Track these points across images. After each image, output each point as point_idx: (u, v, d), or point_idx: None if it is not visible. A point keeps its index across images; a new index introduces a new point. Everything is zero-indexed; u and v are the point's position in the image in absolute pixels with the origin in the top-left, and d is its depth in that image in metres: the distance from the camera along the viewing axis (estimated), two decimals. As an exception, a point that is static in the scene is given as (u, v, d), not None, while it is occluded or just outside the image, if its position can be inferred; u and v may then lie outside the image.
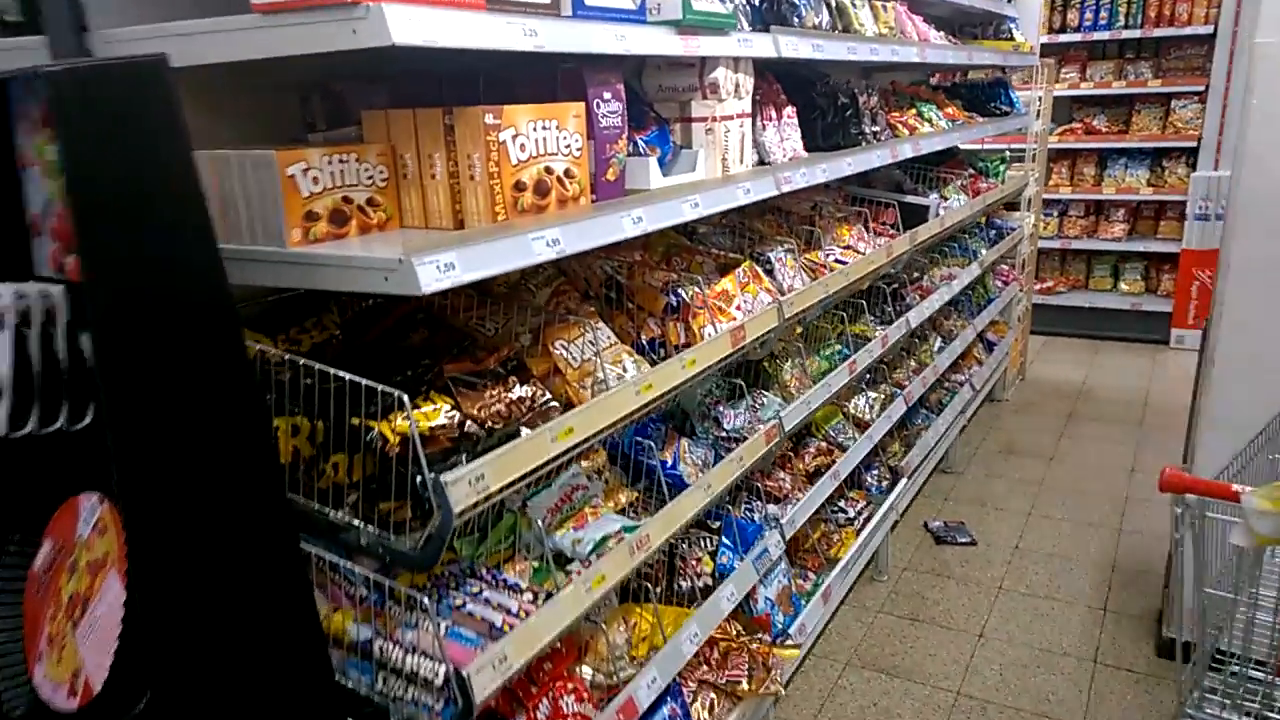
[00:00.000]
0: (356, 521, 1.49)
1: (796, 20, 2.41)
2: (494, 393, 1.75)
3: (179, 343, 1.13)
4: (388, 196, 1.56)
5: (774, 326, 2.40)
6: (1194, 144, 6.35)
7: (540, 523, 1.98)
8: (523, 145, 1.52)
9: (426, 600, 1.49)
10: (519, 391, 1.78)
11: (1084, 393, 5.81)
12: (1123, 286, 6.91)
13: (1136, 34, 6.41)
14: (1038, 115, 5.33)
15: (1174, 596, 3.15)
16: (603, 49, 1.62)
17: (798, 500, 2.87)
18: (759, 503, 2.82)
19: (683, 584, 2.47)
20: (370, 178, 1.52)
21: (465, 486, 1.40)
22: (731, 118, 2.14)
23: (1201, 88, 6.27)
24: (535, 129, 1.54)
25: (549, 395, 1.82)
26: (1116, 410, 5.48)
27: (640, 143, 1.97)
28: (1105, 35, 6.51)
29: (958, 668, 3.17)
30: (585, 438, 1.67)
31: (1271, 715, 1.86)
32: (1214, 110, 6.21)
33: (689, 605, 2.39)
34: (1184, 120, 6.41)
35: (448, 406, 1.63)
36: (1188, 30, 6.24)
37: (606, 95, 1.73)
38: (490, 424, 1.68)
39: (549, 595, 1.71)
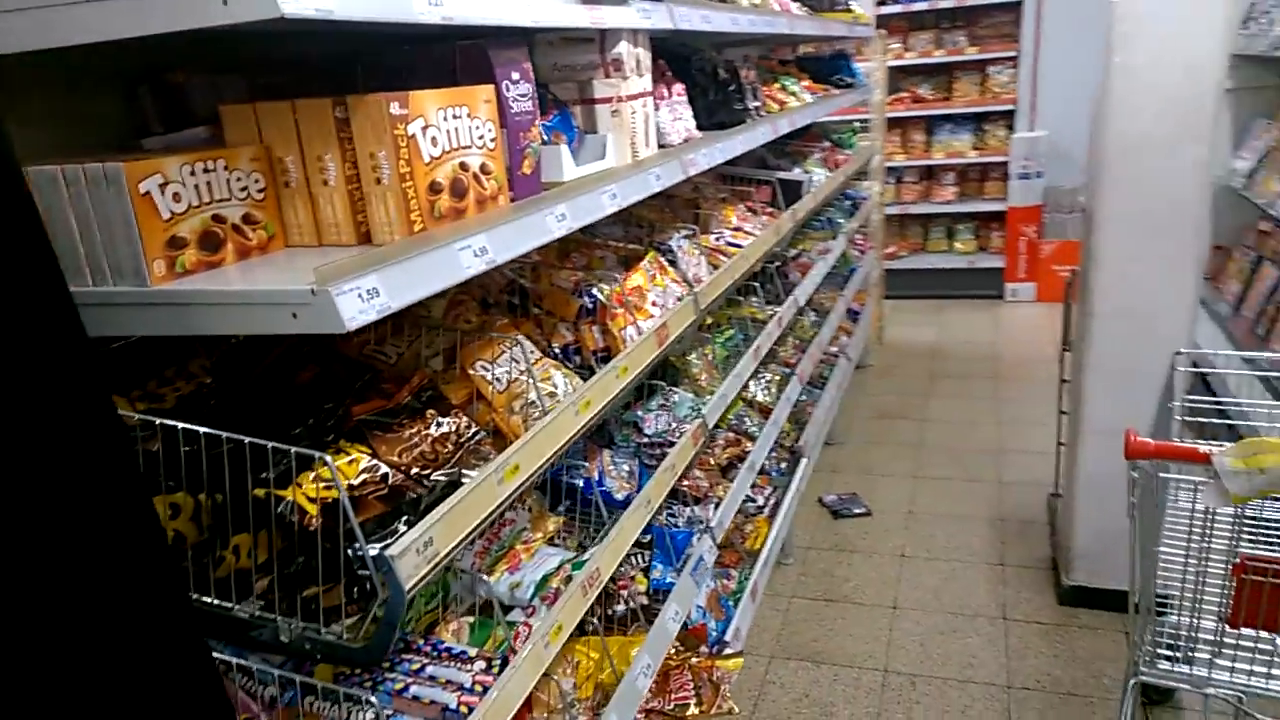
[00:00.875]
0: (272, 615, 1.19)
1: (681, -11, 2.23)
2: (413, 432, 1.48)
3: (31, 424, 0.82)
4: (267, 211, 1.26)
5: (692, 320, 2.22)
6: (1011, 107, 6.70)
7: (470, 571, 1.73)
8: (434, 139, 1.26)
9: (372, 697, 1.22)
10: (442, 427, 1.52)
11: (938, 352, 6.02)
12: (958, 246, 7.23)
13: (951, 4, 6.67)
14: (876, 86, 5.43)
15: (1065, 545, 3.25)
16: (512, 21, 1.38)
17: (717, 498, 2.72)
18: (679, 505, 2.66)
19: (618, 608, 2.27)
20: (244, 189, 1.22)
21: (413, 556, 1.14)
22: (636, 97, 1.94)
23: (1014, 53, 6.61)
24: (445, 118, 1.29)
25: (475, 426, 1.58)
26: (970, 365, 5.71)
27: (542, 129, 1.73)
28: (924, 6, 6.74)
29: (879, 644, 3.15)
30: (531, 473, 1.44)
31: (1220, 663, 1.88)
32: (1026, 74, 6.57)
33: (628, 630, 2.20)
34: (1000, 85, 6.74)
35: (365, 457, 1.35)
36: (996, -1, 6.56)
37: (515, 76, 1.48)
38: (417, 470, 1.42)
39: (504, 661, 1.46)
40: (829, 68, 4.73)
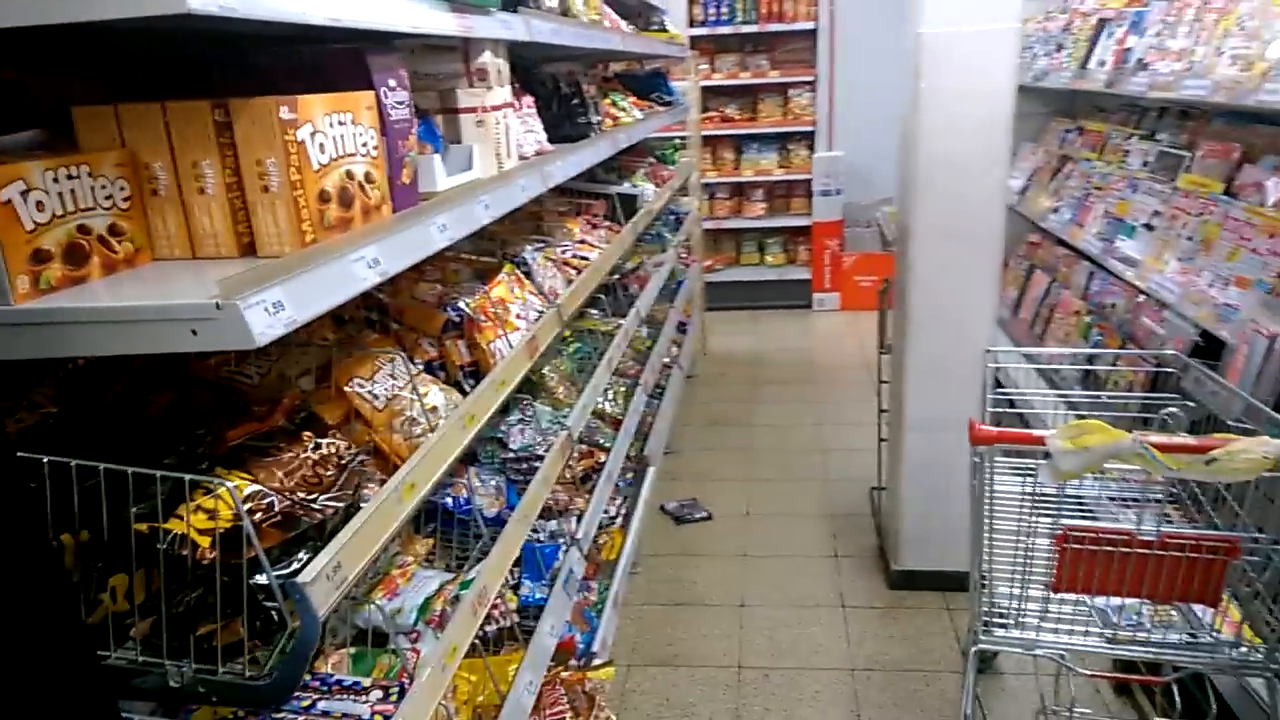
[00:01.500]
0: (159, 659, 1.09)
1: (533, 2, 2.24)
2: (292, 455, 1.39)
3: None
4: (133, 221, 1.15)
5: (557, 332, 2.22)
6: (811, 128, 7.17)
7: (354, 597, 1.65)
8: (322, 145, 1.20)
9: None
10: (321, 449, 1.44)
11: (759, 359, 6.32)
12: (768, 259, 7.63)
13: (754, 28, 7.05)
14: (692, 105, 5.64)
15: (891, 533, 3.50)
16: (393, 26, 1.34)
17: (578, 510, 2.73)
18: (541, 521, 2.63)
19: (489, 628, 2.22)
20: (109, 197, 1.11)
21: (324, 583, 1.08)
22: (500, 108, 1.92)
23: (812, 78, 7.08)
24: (331, 124, 1.23)
25: (355, 447, 1.50)
26: (789, 372, 6.03)
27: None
28: (728, 30, 7.08)
29: (731, 642, 3.26)
30: (427, 490, 1.39)
31: (1046, 626, 2.09)
32: (823, 98, 7.05)
33: (502, 650, 2.16)
34: (801, 107, 7.19)
35: (248, 484, 1.26)
36: (795, 26, 6.98)
37: (393, 83, 1.43)
38: (302, 496, 1.33)
39: (402, 690, 1.40)
40: (648, 85, 4.87)
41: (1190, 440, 1.64)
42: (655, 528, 4.08)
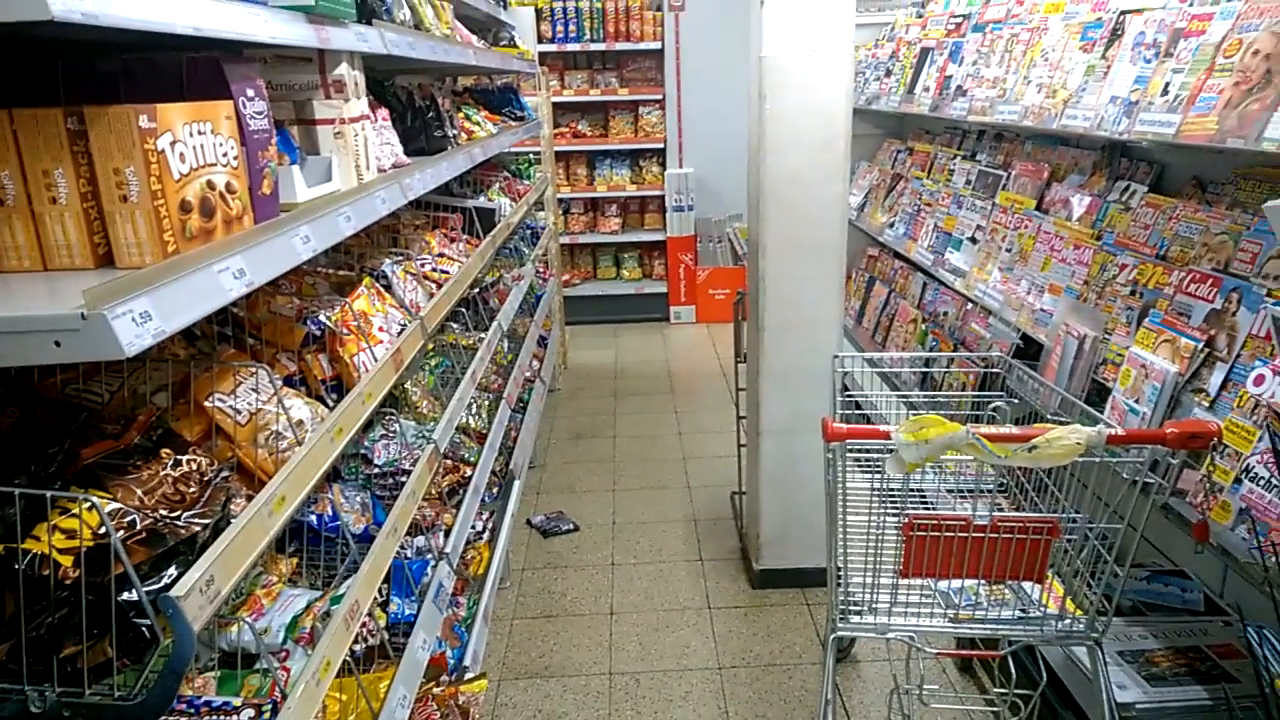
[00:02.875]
0: (17, 685, 1.02)
1: (386, 15, 2.23)
2: (151, 473, 1.34)
3: None
4: (-30, 230, 1.08)
5: (421, 345, 2.21)
6: (661, 145, 7.35)
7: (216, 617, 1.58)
8: (183, 155, 1.16)
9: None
10: (182, 466, 1.38)
11: (619, 372, 6.41)
12: (625, 274, 7.75)
13: (602, 47, 7.17)
14: (544, 120, 5.69)
15: (752, 535, 3.64)
16: (253, 36, 1.31)
17: (445, 525, 2.70)
18: (407, 537, 2.59)
19: (359, 647, 2.17)
20: (-55, 205, 1.04)
21: (198, 597, 1.04)
22: (357, 119, 1.90)
23: (660, 96, 7.27)
24: (191, 134, 1.19)
25: (218, 463, 1.45)
26: (649, 384, 6.15)
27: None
28: (577, 47, 7.18)
29: (602, 650, 3.29)
30: (296, 504, 1.36)
31: (897, 610, 2.24)
32: (672, 116, 7.25)
33: (370, 669, 2.11)
34: (651, 125, 7.37)
35: (109, 503, 1.20)
36: (642, 46, 7.15)
37: (251, 93, 1.40)
38: (165, 513, 1.28)
39: (274, 707, 1.36)
40: (500, 101, 4.88)
41: (1015, 430, 1.81)
42: (523, 541, 4.08)
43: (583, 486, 4.62)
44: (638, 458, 4.95)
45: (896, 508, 2.17)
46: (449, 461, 3.07)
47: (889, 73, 4.97)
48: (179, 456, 1.39)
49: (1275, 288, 2.10)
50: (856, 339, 5.12)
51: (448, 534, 2.65)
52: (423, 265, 2.91)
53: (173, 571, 1.08)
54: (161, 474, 1.34)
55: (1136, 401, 2.33)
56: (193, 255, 1.13)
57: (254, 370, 1.56)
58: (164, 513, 1.28)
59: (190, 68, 1.35)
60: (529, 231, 5.12)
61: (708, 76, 7.01)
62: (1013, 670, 2.27)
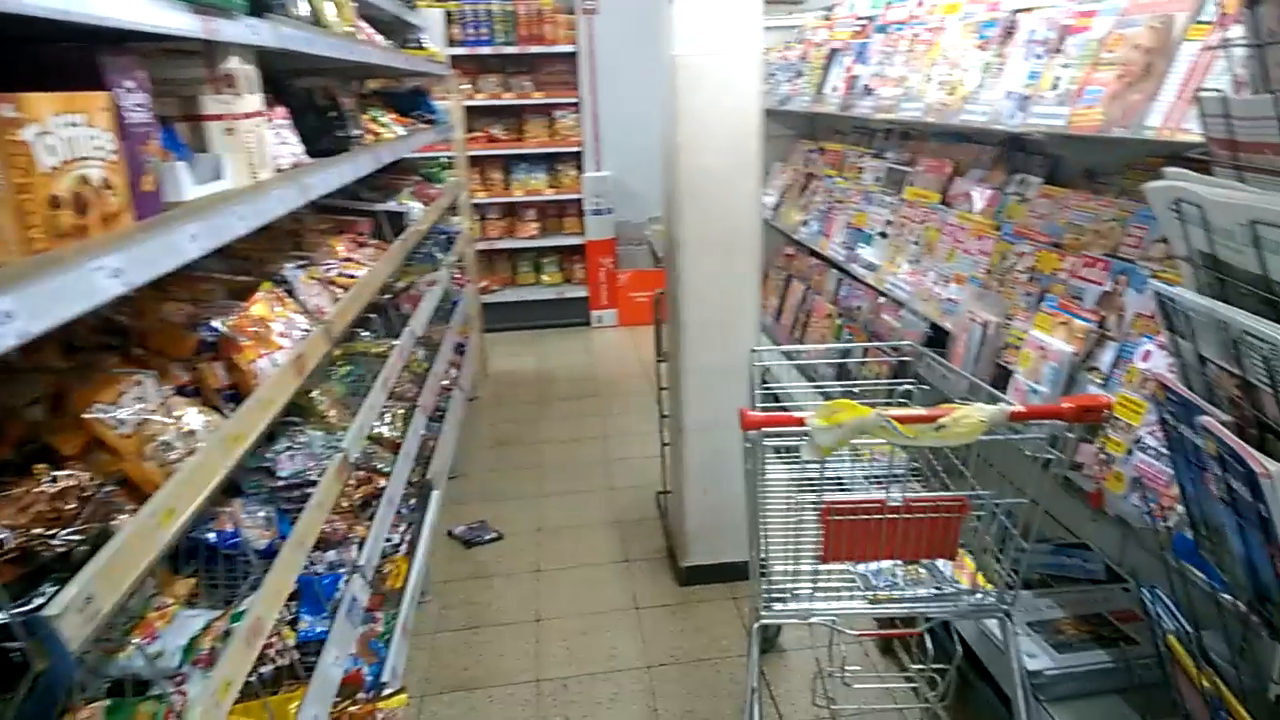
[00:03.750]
0: None
1: (280, 10, 2.16)
2: (23, 490, 1.26)
3: None
4: None
5: (326, 351, 2.14)
6: (578, 149, 7.33)
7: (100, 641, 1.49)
8: (52, 147, 1.10)
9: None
10: (59, 482, 1.31)
11: (541, 378, 6.35)
12: (545, 279, 7.70)
13: (514, 50, 7.11)
14: (455, 124, 5.60)
15: (678, 533, 3.64)
16: (135, 24, 1.25)
17: (359, 538, 2.62)
18: (317, 552, 2.51)
19: (265, 669, 2.08)
20: None
21: (75, 616, 0.98)
22: (250, 116, 1.83)
23: (575, 99, 7.25)
24: (62, 125, 1.13)
25: (100, 478, 1.37)
26: (572, 388, 6.11)
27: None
28: (489, 50, 7.10)
29: (528, 658, 3.25)
30: (188, 517, 1.29)
31: (819, 595, 2.26)
32: (588, 119, 7.24)
33: (278, 691, 2.03)
34: (567, 128, 7.34)
35: (-27, 525, 1.12)
36: (555, 49, 7.12)
37: (130, 84, 1.33)
38: (40, 532, 1.20)
39: (170, 734, 1.29)
40: (409, 103, 4.79)
41: (923, 411, 1.85)
42: (445, 553, 4.00)
43: (506, 494, 4.56)
44: (562, 463, 4.91)
45: (814, 494, 2.19)
46: (362, 473, 2.98)
47: (799, 74, 5.05)
48: (55, 472, 1.31)
49: (1160, 269, 2.19)
50: (776, 336, 5.18)
51: (361, 546, 2.57)
52: (329, 270, 2.83)
53: (47, 590, 1.01)
54: (35, 491, 1.26)
55: (1036, 382, 2.40)
56: (62, 253, 1.07)
57: (139, 379, 1.48)
58: (39, 531, 1.20)
59: (63, 59, 1.28)
60: (443, 237, 5.03)
61: (623, 79, 7.02)
62: (930, 646, 2.31)
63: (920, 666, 2.35)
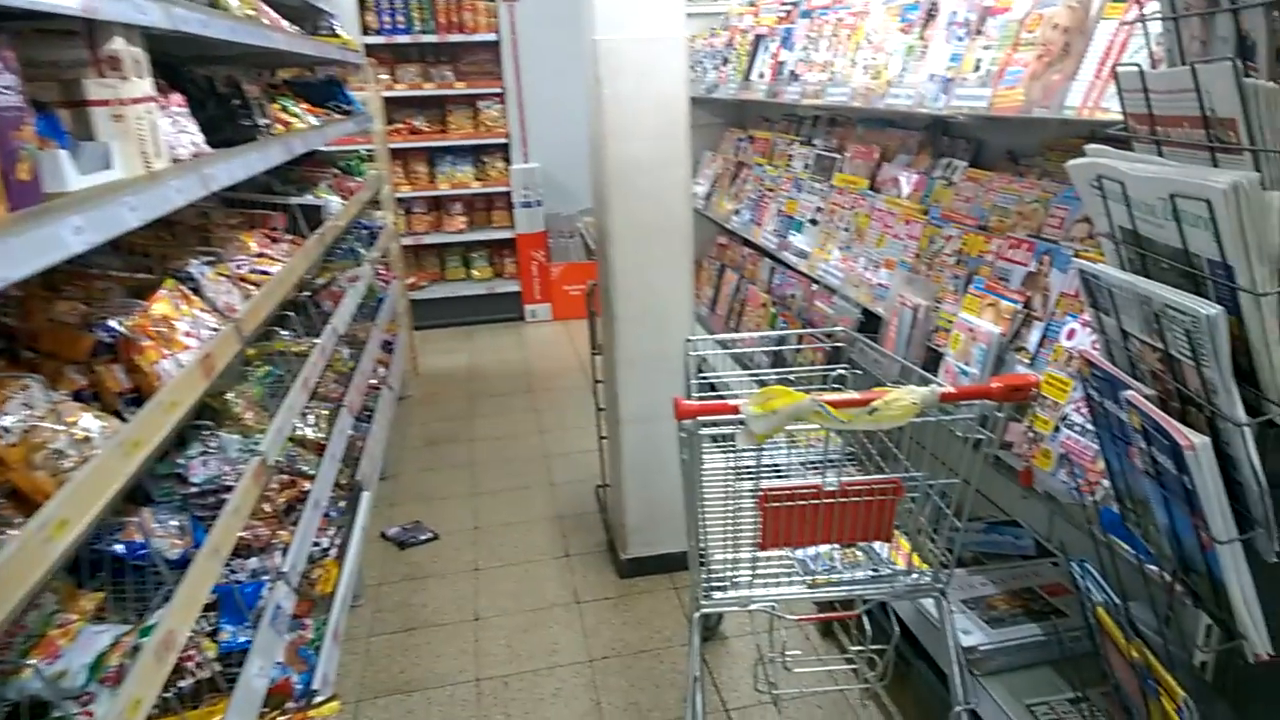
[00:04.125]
0: None
1: (176, -10, 2.04)
2: (-109, 511, 1.15)
3: None
4: None
5: (237, 350, 2.03)
6: (504, 140, 7.20)
7: None
8: (-101, 127, 1.00)
9: None
10: (-66, 499, 1.20)
11: (474, 375, 6.24)
12: (474, 274, 7.57)
13: (434, 39, 6.94)
14: (374, 115, 5.44)
15: (618, 525, 3.60)
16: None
17: (283, 544, 2.52)
18: (239, 560, 2.40)
19: (184, 683, 1.98)
20: None
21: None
22: (140, 101, 1.72)
23: (499, 89, 7.12)
24: (-90, 103, 1.02)
25: (-18, 492, 1.27)
26: (506, 384, 6.02)
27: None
28: (407, 39, 6.91)
29: (467, 658, 3.17)
30: (84, 527, 1.20)
31: (758, 582, 2.24)
32: (514, 110, 7.12)
33: (198, 706, 1.93)
34: (492, 119, 7.21)
35: None
36: (476, 37, 6.97)
37: (-5, 62, 1.22)
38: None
39: (68, 765, 1.20)
40: (323, 93, 4.63)
41: (856, 395, 1.84)
42: (378, 556, 3.89)
43: (440, 494, 4.46)
44: (498, 459, 4.82)
45: (751, 482, 2.16)
46: (285, 476, 2.87)
47: (726, 61, 5.03)
48: (-70, 485, 1.20)
49: (1082, 249, 2.21)
50: (711, 326, 5.17)
51: (285, 552, 2.46)
52: (240, 267, 2.71)
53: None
54: (-94, 506, 1.16)
55: (966, 364, 2.41)
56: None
57: (25, 383, 1.37)
58: (-92, 550, 1.09)
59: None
60: (365, 231, 4.89)
61: (548, 69, 6.92)
62: (868, 628, 2.31)
63: (860, 648, 2.35)
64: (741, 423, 1.84)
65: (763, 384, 3.47)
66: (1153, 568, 1.66)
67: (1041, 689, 2.15)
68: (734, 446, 2.08)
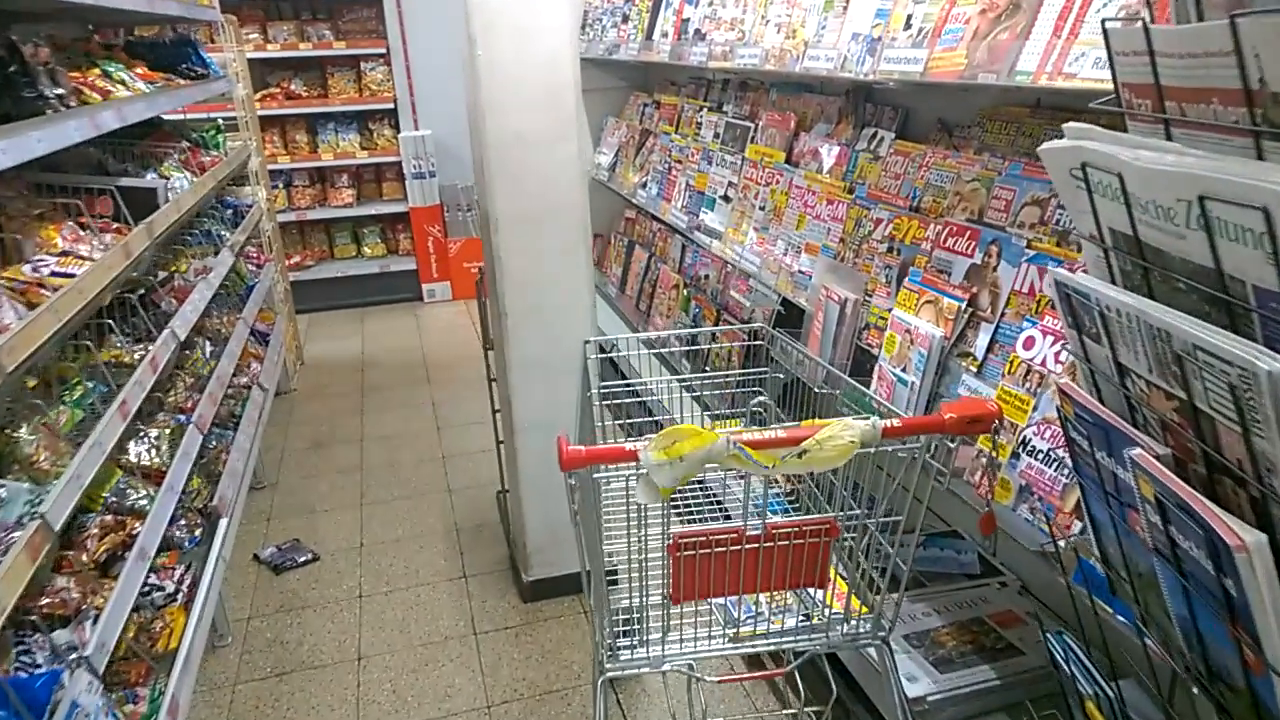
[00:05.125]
0: None
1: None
2: None
3: None
4: None
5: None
6: (391, 105, 6.62)
7: None
8: None
9: None
10: None
11: (367, 363, 5.74)
12: (366, 251, 7.01)
13: (311, -6, 6.33)
14: (238, 78, 4.84)
15: (519, 543, 3.22)
16: None
17: (96, 609, 2.07)
18: (36, 636, 1.95)
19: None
20: None
21: None
22: None
23: (383, 50, 6.53)
24: None
25: None
26: (402, 374, 5.54)
27: None
28: (280, -6, 6.29)
29: (348, 707, 2.78)
30: None
31: (671, 638, 1.91)
32: (400, 72, 6.54)
33: None
34: (377, 82, 6.62)
35: None
36: (357, -8, 6.38)
37: None
38: None
39: None
40: (171, 55, 4.05)
41: (781, 434, 1.50)
42: (249, 583, 3.44)
43: (324, 504, 4.01)
44: (389, 463, 4.38)
45: (658, 527, 1.82)
46: (109, 518, 2.41)
47: (626, 19, 4.61)
48: None
49: (1033, 237, 1.92)
50: (621, 309, 4.80)
51: (98, 621, 2.02)
52: (37, 270, 2.21)
53: None
54: None
55: (904, 370, 2.11)
56: None
57: None
58: None
59: None
60: (229, 211, 4.34)
61: (436, 26, 6.36)
62: (800, 685, 2.01)
63: (792, 712, 2.04)
64: (640, 474, 1.49)
65: (688, 388, 3.13)
66: (1153, 645, 1.38)
67: (996, 743, 1.89)
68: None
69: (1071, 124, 1.17)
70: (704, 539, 1.73)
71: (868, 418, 1.53)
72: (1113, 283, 1.18)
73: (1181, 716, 1.27)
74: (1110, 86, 1.51)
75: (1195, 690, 1.11)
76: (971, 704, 1.97)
